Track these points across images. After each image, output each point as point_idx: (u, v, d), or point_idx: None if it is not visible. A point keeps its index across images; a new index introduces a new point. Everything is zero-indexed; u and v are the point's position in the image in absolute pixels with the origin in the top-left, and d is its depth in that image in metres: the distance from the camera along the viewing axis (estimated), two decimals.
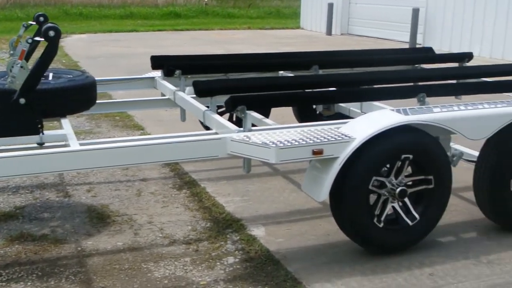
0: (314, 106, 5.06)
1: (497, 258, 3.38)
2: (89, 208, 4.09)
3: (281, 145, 2.98)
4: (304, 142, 3.02)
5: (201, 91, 3.71)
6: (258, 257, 3.37)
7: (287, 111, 5.31)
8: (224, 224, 3.83)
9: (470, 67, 4.98)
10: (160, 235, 3.69)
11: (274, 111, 4.92)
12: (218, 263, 3.32)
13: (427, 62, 5.23)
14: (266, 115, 4.88)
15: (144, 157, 3.09)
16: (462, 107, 3.45)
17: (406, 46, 12.82)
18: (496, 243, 3.58)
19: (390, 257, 3.34)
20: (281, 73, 4.85)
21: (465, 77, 4.60)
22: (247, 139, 3.10)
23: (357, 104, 4.33)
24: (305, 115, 5.22)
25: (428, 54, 5.50)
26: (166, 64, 4.55)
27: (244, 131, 3.28)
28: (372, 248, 3.38)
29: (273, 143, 3.00)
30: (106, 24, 18.43)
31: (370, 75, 4.40)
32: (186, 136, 3.29)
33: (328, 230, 3.66)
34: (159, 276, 3.19)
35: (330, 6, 16.55)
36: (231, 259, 3.37)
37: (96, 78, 4.23)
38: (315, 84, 4.09)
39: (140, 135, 5.81)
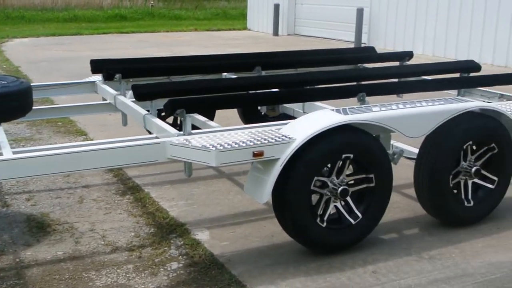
0: (259, 108, 5.06)
1: (438, 253, 3.45)
2: (28, 218, 3.96)
3: (221, 148, 2.96)
4: (244, 145, 3.01)
5: (140, 95, 3.64)
6: (202, 262, 3.34)
7: (234, 113, 5.29)
8: (168, 229, 3.78)
9: (410, 66, 5.08)
10: (102, 242, 3.61)
11: (222, 112, 4.88)
12: (161, 269, 3.26)
13: (369, 62, 5.30)
14: (211, 117, 4.85)
15: (80, 163, 3.00)
16: (400, 106, 3.51)
17: (352, 45, 13.01)
18: (437, 238, 3.64)
19: (334, 256, 3.35)
20: (225, 75, 4.83)
21: (405, 75, 4.68)
22: (187, 143, 3.06)
23: (301, 104, 4.34)
24: (250, 116, 5.21)
25: (370, 54, 5.57)
26: (106, 68, 4.46)
27: (184, 134, 3.24)
28: (315, 248, 3.39)
29: (213, 146, 2.97)
30: (49, 28, 18.01)
31: (312, 76, 4.42)
32: (124, 141, 3.22)
33: (273, 231, 3.65)
34: (101, 285, 3.11)
35: (276, 7, 16.66)
36: (174, 265, 3.32)
37: (33, 84, 4.08)
38: (257, 86, 4.08)
39: (83, 140, 5.68)
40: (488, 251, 3.47)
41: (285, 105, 4.54)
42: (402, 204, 4.17)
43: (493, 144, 3.69)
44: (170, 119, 4.84)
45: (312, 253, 3.39)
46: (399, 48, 11.94)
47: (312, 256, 3.36)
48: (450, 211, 3.71)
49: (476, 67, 4.68)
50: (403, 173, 4.03)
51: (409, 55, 5.28)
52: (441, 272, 3.22)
